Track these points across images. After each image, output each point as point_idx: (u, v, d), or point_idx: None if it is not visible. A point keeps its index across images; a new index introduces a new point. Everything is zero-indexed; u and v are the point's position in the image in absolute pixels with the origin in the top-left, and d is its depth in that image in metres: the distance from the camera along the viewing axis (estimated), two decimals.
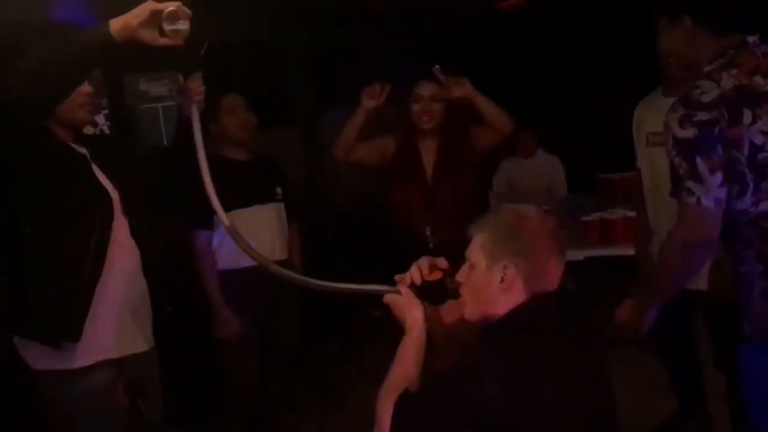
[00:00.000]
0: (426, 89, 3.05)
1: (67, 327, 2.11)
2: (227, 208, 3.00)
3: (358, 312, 4.71)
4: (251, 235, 3.03)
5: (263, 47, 4.94)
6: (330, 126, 5.86)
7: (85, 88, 2.19)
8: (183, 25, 1.88)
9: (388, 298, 1.81)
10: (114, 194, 2.25)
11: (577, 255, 4.02)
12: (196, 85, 2.24)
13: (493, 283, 1.63)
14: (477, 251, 1.68)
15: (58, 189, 2.12)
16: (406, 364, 1.68)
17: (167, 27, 1.87)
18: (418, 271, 1.80)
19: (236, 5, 3.93)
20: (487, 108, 3.01)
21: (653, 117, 2.92)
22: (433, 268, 1.80)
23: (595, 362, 1.68)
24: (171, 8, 1.86)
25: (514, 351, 1.55)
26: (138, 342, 2.32)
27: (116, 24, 1.86)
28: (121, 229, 2.25)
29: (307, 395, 4.06)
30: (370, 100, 3.05)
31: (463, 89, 2.99)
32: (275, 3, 4.56)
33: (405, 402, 1.58)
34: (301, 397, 3.95)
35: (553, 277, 1.65)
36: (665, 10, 2.05)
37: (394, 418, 1.57)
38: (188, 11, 1.89)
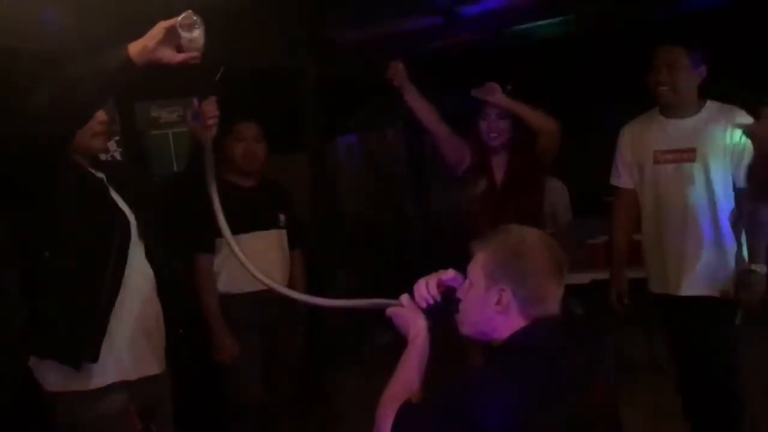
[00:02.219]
0: (493, 107, 3.17)
1: (85, 347, 2.14)
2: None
3: (367, 337, 4.72)
4: (251, 260, 3.09)
5: (275, 74, 5.00)
6: (338, 152, 5.95)
7: (101, 116, 2.24)
8: (198, 28, 1.92)
9: (391, 310, 1.81)
10: (131, 217, 2.30)
11: (583, 278, 4.02)
12: (210, 109, 2.27)
13: (489, 305, 1.64)
14: (477, 270, 1.69)
15: (78, 212, 2.16)
16: (408, 374, 1.69)
17: (184, 34, 1.90)
18: (425, 289, 1.79)
19: (251, 34, 4.00)
20: (522, 110, 3.13)
21: (659, 136, 3.05)
22: (439, 283, 1.80)
23: (601, 387, 1.67)
24: (183, 15, 1.91)
25: (517, 374, 1.55)
26: (152, 364, 2.34)
27: (135, 48, 1.91)
28: (137, 251, 2.29)
29: (316, 420, 4.06)
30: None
31: (493, 97, 3.14)
32: (288, 32, 4.63)
33: (406, 413, 1.58)
34: (310, 422, 3.95)
35: (551, 302, 1.66)
36: None
37: (394, 428, 1.57)
38: (198, 16, 1.93)
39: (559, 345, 1.62)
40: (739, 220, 2.94)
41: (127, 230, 2.27)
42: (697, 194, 2.95)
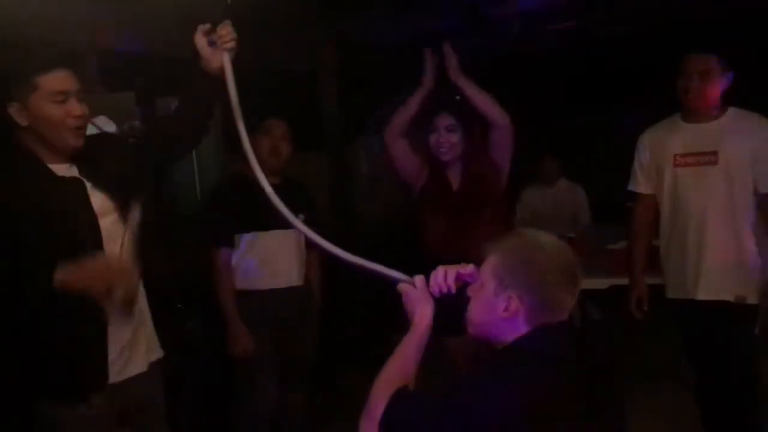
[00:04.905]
0: (442, 120, 3.03)
1: (90, 382, 2.06)
2: (248, 229, 3.08)
3: (381, 337, 4.71)
4: (269, 258, 3.12)
5: (298, 73, 5.02)
6: (358, 153, 5.93)
7: (77, 109, 2.03)
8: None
9: (403, 287, 1.80)
10: (106, 217, 2.11)
11: (602, 283, 3.99)
12: (226, 32, 2.16)
13: (496, 310, 1.63)
14: (488, 273, 1.68)
15: (41, 241, 1.98)
16: (406, 359, 1.68)
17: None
18: (443, 277, 1.76)
19: (273, 34, 4.01)
20: (474, 93, 2.97)
21: (680, 140, 3.06)
22: (458, 276, 1.77)
23: (604, 397, 1.68)
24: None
25: (515, 378, 1.54)
26: (138, 363, 2.22)
27: None
28: (117, 248, 2.11)
29: (328, 419, 4.05)
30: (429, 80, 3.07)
31: (449, 67, 3.00)
32: (309, 33, 4.64)
33: (400, 401, 1.58)
34: (322, 421, 3.95)
35: (562, 310, 1.64)
36: None
37: (388, 413, 1.56)
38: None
39: (560, 353, 1.60)
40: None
41: (98, 238, 2.07)
42: (716, 197, 2.95)
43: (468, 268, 1.76)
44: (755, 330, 2.95)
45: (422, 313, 1.74)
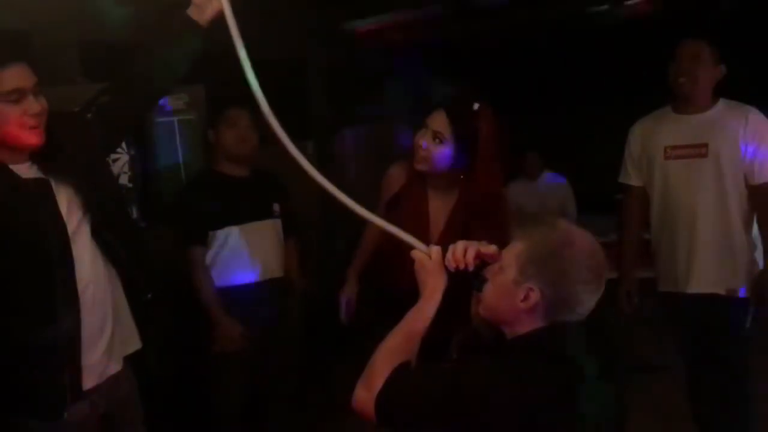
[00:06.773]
0: (434, 121, 2.39)
1: (62, 395, 1.96)
2: (222, 225, 3.00)
3: (368, 333, 4.68)
4: (246, 251, 3.05)
5: (283, 65, 4.96)
6: (345, 142, 5.89)
7: (35, 107, 1.89)
8: None
9: (417, 254, 1.73)
10: (73, 217, 2.00)
11: None
12: None
13: (514, 298, 1.55)
14: (511, 260, 1.59)
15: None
16: (411, 332, 1.63)
17: None
18: (462, 253, 1.68)
19: (259, 24, 3.95)
20: None
21: (670, 132, 3.03)
22: (477, 254, 1.68)
23: (610, 396, 1.61)
24: None
25: (524, 374, 1.48)
26: (116, 361, 2.14)
27: None
28: (82, 242, 2.01)
29: (317, 412, 4.02)
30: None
31: None
32: (296, 23, 4.59)
33: (402, 378, 1.53)
34: (312, 415, 3.91)
35: (581, 310, 1.56)
36: None
37: (386, 388, 1.52)
38: None
39: (574, 353, 1.54)
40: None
41: (66, 246, 1.96)
42: (707, 190, 2.93)
43: (491, 248, 1.67)
44: (746, 323, 2.94)
45: (434, 286, 1.67)
